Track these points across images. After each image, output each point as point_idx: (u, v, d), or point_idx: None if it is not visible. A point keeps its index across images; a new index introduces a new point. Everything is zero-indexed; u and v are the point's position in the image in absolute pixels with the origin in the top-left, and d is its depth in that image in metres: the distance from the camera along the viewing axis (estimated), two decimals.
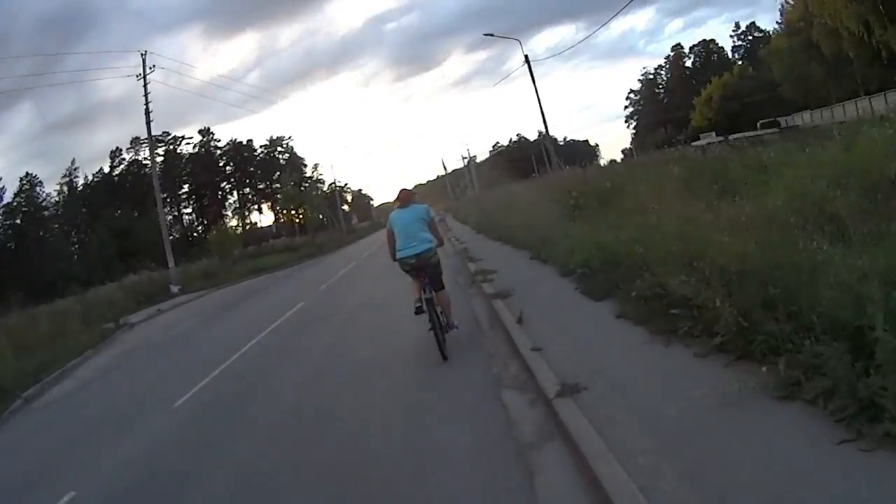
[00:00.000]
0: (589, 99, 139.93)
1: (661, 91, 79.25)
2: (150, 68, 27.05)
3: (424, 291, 5.65)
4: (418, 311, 5.61)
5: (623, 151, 73.25)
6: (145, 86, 26.96)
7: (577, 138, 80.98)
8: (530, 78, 24.26)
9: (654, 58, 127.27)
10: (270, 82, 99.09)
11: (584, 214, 10.93)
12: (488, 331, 6.44)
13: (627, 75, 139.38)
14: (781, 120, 37.02)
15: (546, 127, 24.92)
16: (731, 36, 71.25)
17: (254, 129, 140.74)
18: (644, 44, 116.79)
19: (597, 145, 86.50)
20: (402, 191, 6.09)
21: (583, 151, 72.85)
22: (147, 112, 27.10)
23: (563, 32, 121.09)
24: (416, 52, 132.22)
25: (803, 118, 37.72)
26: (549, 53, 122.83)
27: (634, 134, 79.11)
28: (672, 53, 78.07)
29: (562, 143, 67.79)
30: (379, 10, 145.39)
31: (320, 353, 7.42)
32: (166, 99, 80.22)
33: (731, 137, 22.57)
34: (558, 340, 4.96)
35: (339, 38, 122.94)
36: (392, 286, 10.06)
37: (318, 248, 36.76)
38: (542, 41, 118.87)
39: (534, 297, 6.92)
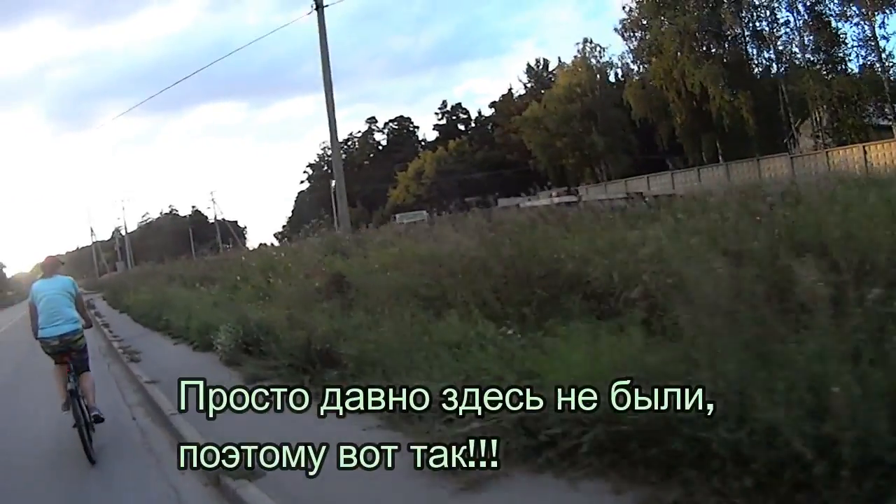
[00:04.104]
0: (241, 179, 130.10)
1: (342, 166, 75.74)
2: None
3: (69, 381, 4.95)
4: (65, 406, 4.97)
5: (276, 235, 65.86)
6: None
7: (227, 218, 71.77)
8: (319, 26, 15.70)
9: (310, 143, 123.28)
10: None
11: None
12: None
13: (279, 158, 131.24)
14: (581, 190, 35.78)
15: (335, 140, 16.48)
16: (437, 113, 72.53)
17: None
18: (303, 130, 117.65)
19: (245, 227, 79.94)
20: (48, 257, 5.57)
21: (234, 232, 64.71)
22: None
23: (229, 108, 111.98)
24: (76, 107, 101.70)
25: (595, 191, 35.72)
26: (208, 130, 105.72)
27: (291, 215, 72.58)
28: (364, 129, 76.70)
29: (211, 223, 59.30)
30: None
31: None
32: None
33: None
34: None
35: None
36: None
37: None
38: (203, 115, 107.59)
39: None
